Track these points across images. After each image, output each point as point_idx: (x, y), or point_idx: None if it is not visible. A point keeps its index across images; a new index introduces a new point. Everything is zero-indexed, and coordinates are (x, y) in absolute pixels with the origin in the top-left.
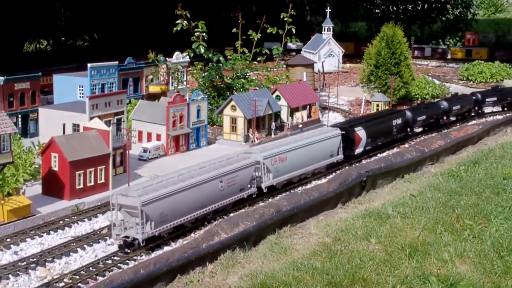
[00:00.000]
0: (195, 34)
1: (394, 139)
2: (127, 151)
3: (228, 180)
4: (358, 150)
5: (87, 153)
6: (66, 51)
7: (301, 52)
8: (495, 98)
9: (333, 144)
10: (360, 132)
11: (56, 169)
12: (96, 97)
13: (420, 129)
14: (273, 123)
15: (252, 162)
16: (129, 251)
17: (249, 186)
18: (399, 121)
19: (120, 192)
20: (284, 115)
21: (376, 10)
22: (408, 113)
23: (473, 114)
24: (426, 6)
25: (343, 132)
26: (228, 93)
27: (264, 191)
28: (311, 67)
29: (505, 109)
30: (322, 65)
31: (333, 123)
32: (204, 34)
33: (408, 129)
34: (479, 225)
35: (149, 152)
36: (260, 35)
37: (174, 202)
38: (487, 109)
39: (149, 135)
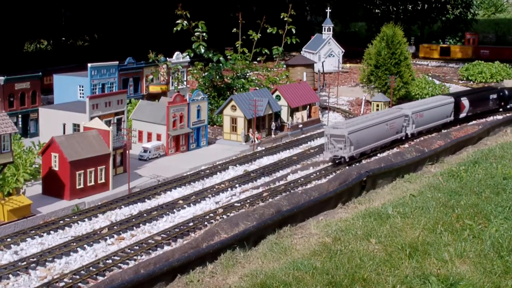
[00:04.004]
0: (195, 34)
1: (490, 110)
2: (127, 151)
3: (390, 125)
4: (462, 115)
5: (88, 153)
6: (66, 51)
7: None
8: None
9: (448, 108)
10: (465, 101)
11: (56, 169)
12: (96, 97)
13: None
14: (273, 123)
15: (403, 115)
16: (339, 164)
17: (401, 131)
18: (494, 96)
19: (331, 126)
20: (284, 115)
21: (376, 10)
22: (504, 91)
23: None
24: (426, 6)
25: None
26: (228, 93)
27: (408, 136)
28: (311, 67)
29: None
30: (322, 65)
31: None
32: (204, 34)
33: (503, 103)
34: (479, 225)
35: (149, 152)
36: (260, 35)
37: (363, 134)
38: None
39: (149, 135)
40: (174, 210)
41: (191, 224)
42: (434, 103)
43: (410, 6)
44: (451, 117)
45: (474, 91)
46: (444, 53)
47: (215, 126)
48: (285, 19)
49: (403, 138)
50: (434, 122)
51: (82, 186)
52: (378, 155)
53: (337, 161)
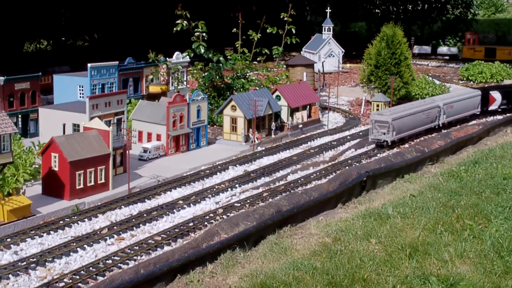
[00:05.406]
0: (195, 34)
1: None
2: (127, 151)
3: (427, 114)
4: (493, 107)
5: (87, 153)
6: (66, 51)
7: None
8: None
9: (475, 101)
10: (495, 94)
11: (56, 169)
12: (96, 97)
13: None
14: (273, 123)
15: (436, 106)
16: (382, 147)
17: (434, 120)
18: None
19: (376, 112)
20: (284, 115)
21: (376, 10)
22: None
23: None
24: (426, 6)
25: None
26: (228, 93)
27: (440, 126)
28: (311, 67)
29: None
30: (322, 65)
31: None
32: (204, 34)
33: None
34: (479, 225)
35: (149, 152)
36: (260, 35)
37: (404, 121)
38: None
39: (149, 135)
40: (174, 210)
41: (191, 224)
42: (462, 96)
43: (410, 6)
44: (478, 109)
45: None
46: (490, 54)
47: (215, 126)
48: (285, 19)
49: (436, 127)
50: (462, 114)
51: (82, 186)
52: (378, 155)
53: (379, 144)
